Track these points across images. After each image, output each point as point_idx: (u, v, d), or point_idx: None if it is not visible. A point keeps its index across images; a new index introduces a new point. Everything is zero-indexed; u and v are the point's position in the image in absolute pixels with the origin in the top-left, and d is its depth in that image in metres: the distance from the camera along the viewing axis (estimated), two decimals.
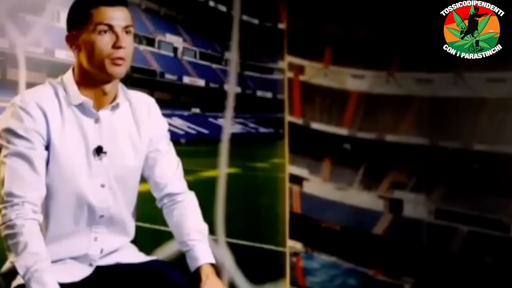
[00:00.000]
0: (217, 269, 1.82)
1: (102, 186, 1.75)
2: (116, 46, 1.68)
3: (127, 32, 1.71)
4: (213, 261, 1.83)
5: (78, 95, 1.73)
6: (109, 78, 1.72)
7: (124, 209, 1.83)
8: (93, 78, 1.72)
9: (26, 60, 2.97)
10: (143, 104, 1.86)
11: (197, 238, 1.85)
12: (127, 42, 1.70)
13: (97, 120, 1.75)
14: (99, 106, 1.75)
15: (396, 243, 3.53)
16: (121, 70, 1.70)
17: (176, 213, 1.89)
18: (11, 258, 1.66)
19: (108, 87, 1.74)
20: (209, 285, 1.76)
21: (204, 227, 1.91)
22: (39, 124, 1.68)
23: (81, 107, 1.74)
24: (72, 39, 1.72)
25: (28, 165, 1.66)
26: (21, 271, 1.61)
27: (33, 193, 1.67)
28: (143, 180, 1.91)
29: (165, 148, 1.89)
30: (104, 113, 1.76)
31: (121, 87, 1.81)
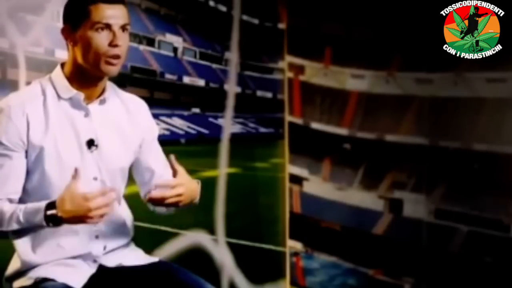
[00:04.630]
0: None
1: (95, 179, 1.77)
2: (112, 44, 1.70)
3: (123, 30, 1.72)
4: None
5: (68, 89, 1.75)
6: (102, 76, 1.75)
7: (117, 203, 1.84)
8: (86, 72, 1.74)
9: (26, 60, 2.98)
10: (135, 103, 1.89)
11: None
12: (123, 40, 1.72)
13: (87, 114, 1.77)
14: (88, 98, 1.77)
15: (396, 243, 3.53)
16: (115, 69, 1.73)
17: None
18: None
19: (100, 81, 1.77)
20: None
21: None
22: (21, 130, 1.71)
23: (71, 101, 1.76)
24: (68, 33, 1.73)
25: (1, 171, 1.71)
26: (16, 225, 1.69)
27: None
28: None
29: (158, 149, 1.93)
30: (93, 107, 1.78)
31: (110, 83, 1.83)
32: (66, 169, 1.72)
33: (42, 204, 1.66)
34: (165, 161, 1.93)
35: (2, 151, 1.71)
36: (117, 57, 1.71)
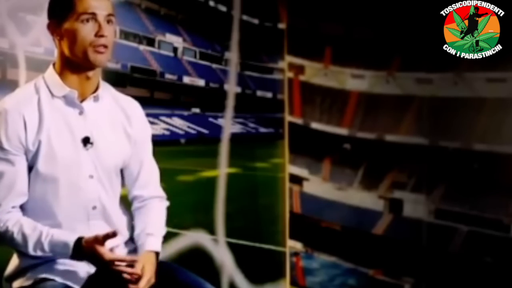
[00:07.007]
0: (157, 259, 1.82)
1: (91, 177, 1.77)
2: (99, 34, 1.70)
3: (108, 22, 1.73)
4: (159, 250, 1.84)
5: (61, 87, 1.75)
6: (91, 66, 1.74)
7: (115, 202, 1.84)
8: (75, 65, 1.74)
9: (26, 60, 2.98)
10: (130, 105, 1.89)
11: (151, 232, 1.86)
12: (109, 31, 1.73)
13: (81, 112, 1.77)
14: (83, 95, 1.77)
15: (396, 243, 3.53)
16: (103, 58, 1.73)
17: (141, 213, 1.92)
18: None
19: (91, 72, 1.76)
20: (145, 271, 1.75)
21: (163, 230, 1.92)
22: (20, 132, 1.71)
23: (64, 99, 1.76)
24: (54, 28, 1.74)
25: (6, 178, 1.72)
26: (40, 252, 1.70)
27: (8, 202, 1.72)
28: None
29: (149, 152, 1.92)
30: (87, 105, 1.78)
31: (104, 82, 1.83)
32: (62, 168, 1.73)
33: (70, 240, 1.68)
34: (156, 172, 1.94)
35: (5, 156, 1.71)
36: (104, 46, 1.71)
